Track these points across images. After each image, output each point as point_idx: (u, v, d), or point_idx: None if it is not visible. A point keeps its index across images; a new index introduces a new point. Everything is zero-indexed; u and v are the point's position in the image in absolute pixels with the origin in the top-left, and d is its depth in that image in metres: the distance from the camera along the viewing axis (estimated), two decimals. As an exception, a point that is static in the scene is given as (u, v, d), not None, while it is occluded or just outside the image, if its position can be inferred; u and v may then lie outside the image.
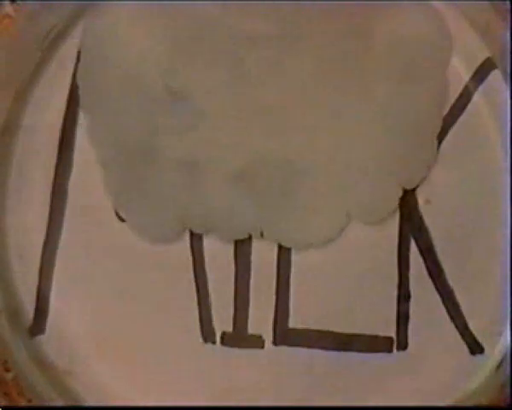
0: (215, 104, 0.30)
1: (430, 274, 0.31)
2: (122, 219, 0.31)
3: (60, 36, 0.32)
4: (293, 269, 0.31)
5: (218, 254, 0.31)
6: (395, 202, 0.31)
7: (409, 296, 0.31)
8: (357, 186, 0.30)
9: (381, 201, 0.31)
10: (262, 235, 0.31)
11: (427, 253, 0.31)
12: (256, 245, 0.31)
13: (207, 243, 0.31)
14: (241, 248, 0.31)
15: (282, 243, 0.31)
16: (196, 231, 0.31)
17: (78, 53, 0.32)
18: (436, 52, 0.31)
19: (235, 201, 0.30)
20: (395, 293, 0.31)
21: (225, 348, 0.31)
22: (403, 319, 0.31)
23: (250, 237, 0.31)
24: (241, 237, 0.31)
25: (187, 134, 0.30)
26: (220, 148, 0.30)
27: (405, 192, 0.31)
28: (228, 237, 0.31)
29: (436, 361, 0.31)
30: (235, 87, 0.30)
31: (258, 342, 0.31)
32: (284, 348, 0.31)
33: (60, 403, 0.30)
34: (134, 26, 0.31)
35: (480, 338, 0.31)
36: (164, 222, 0.31)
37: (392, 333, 0.31)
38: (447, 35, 0.31)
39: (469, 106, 0.31)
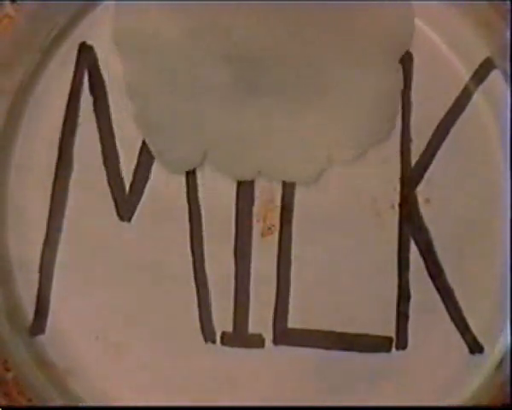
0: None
1: (430, 274, 0.31)
2: (122, 219, 0.31)
3: (60, 36, 0.32)
4: (293, 268, 0.31)
5: (219, 253, 0.31)
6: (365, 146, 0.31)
7: (409, 296, 0.31)
8: (335, 132, 0.31)
9: (354, 143, 0.31)
10: (260, 173, 0.31)
11: (427, 253, 0.31)
12: (256, 243, 0.31)
13: (208, 241, 0.31)
14: (242, 246, 0.31)
15: (283, 179, 0.31)
16: (211, 160, 0.31)
17: (79, 53, 0.32)
18: (398, 43, 0.32)
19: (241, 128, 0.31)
20: (395, 293, 0.31)
21: (225, 348, 0.31)
22: (403, 318, 0.31)
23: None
24: (244, 176, 0.31)
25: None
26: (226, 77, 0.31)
27: (405, 192, 0.31)
28: (232, 172, 0.31)
29: (436, 361, 0.31)
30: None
31: (258, 342, 0.31)
32: (284, 348, 0.31)
33: (60, 403, 0.30)
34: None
35: (479, 338, 0.31)
36: (187, 149, 0.31)
37: (392, 333, 0.31)
38: (410, 26, 0.31)
39: (469, 106, 0.31)
